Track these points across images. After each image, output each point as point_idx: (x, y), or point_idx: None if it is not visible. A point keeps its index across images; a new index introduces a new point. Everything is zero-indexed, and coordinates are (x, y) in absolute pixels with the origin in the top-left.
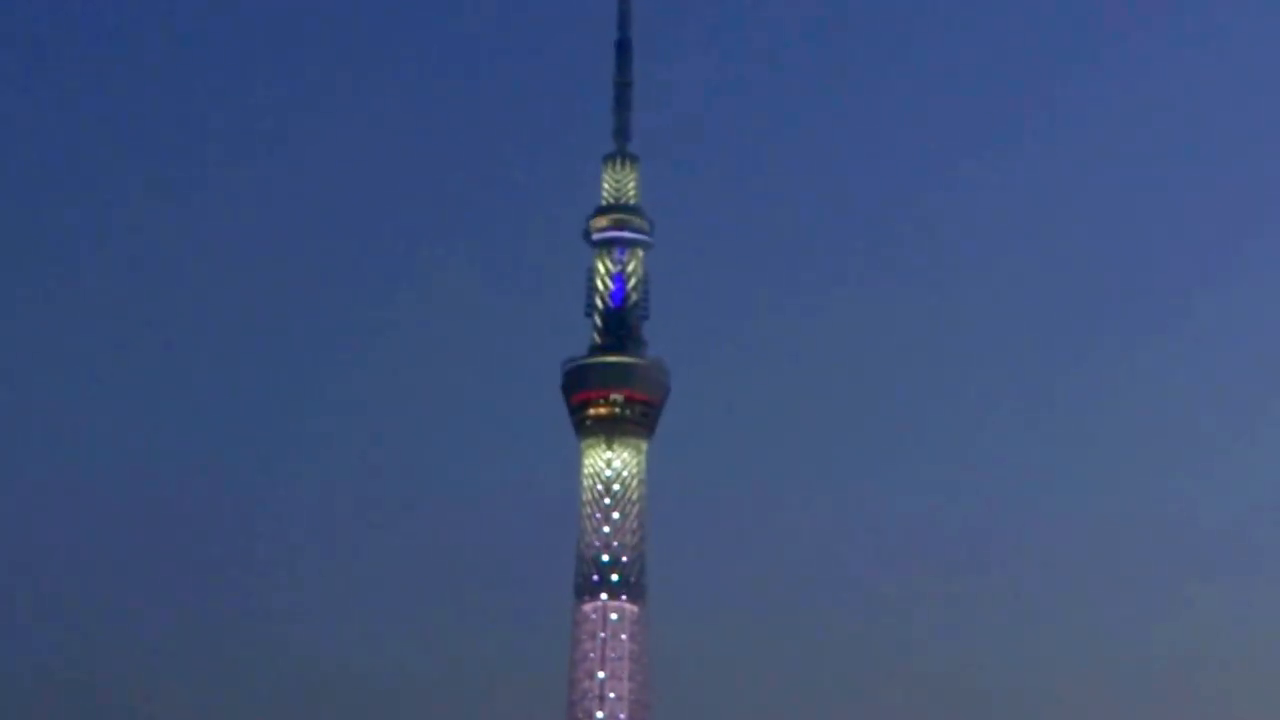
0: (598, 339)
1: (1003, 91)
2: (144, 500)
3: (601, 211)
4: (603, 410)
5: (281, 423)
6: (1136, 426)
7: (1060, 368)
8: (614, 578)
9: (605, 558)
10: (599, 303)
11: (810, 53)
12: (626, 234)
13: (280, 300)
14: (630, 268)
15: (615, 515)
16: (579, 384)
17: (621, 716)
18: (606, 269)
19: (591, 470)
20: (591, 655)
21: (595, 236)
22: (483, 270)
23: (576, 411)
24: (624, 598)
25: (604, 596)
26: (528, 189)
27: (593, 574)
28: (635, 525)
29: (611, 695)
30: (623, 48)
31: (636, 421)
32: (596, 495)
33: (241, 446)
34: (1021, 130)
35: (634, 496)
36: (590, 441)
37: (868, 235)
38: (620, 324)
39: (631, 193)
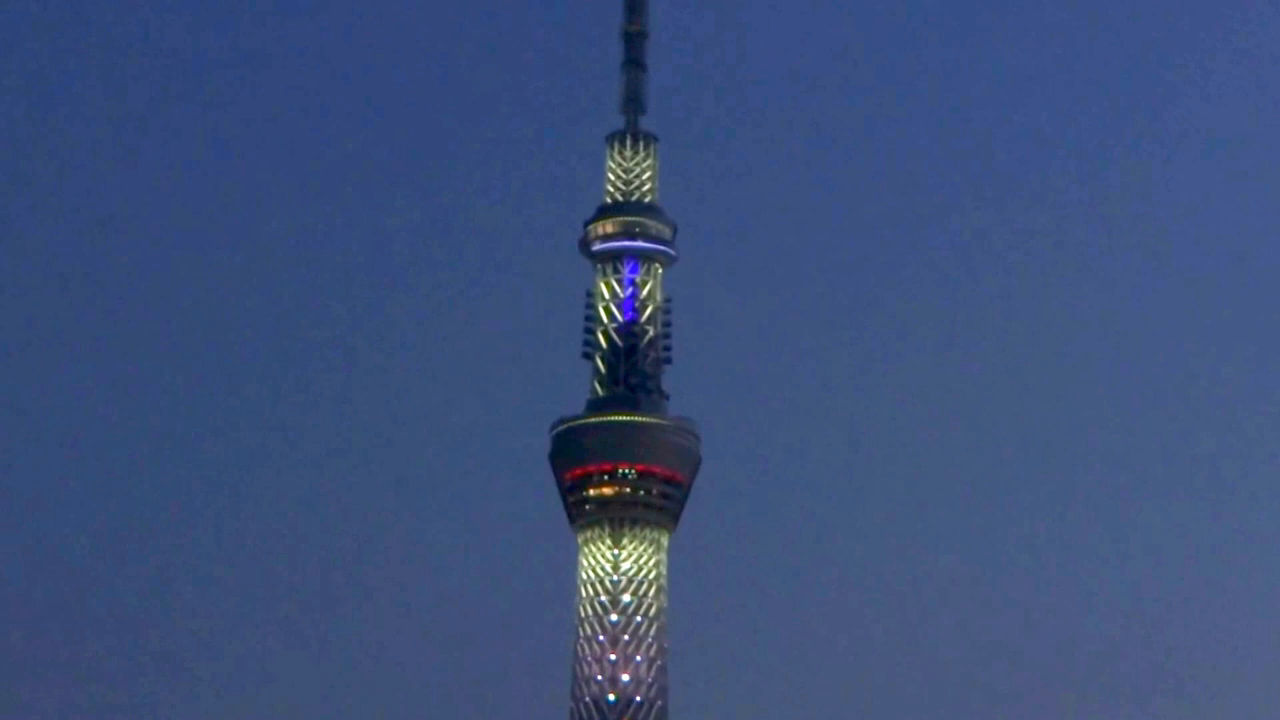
0: (600, 390)
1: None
2: (92, 592)
3: (605, 212)
4: (607, 490)
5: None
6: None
7: (1176, 438)
8: None
9: (611, 697)
10: (602, 339)
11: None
12: (640, 244)
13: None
14: (646, 291)
15: (625, 638)
16: (574, 454)
17: None
18: (613, 292)
19: (591, 574)
20: None
21: (596, 247)
22: (445, 293)
23: (571, 492)
24: None
25: None
26: (506, 182)
27: None
28: (653, 653)
29: None
30: None
31: (655, 506)
32: (598, 610)
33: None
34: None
35: (651, 611)
36: (590, 534)
37: (961, 241)
38: (632, 369)
39: (647, 185)
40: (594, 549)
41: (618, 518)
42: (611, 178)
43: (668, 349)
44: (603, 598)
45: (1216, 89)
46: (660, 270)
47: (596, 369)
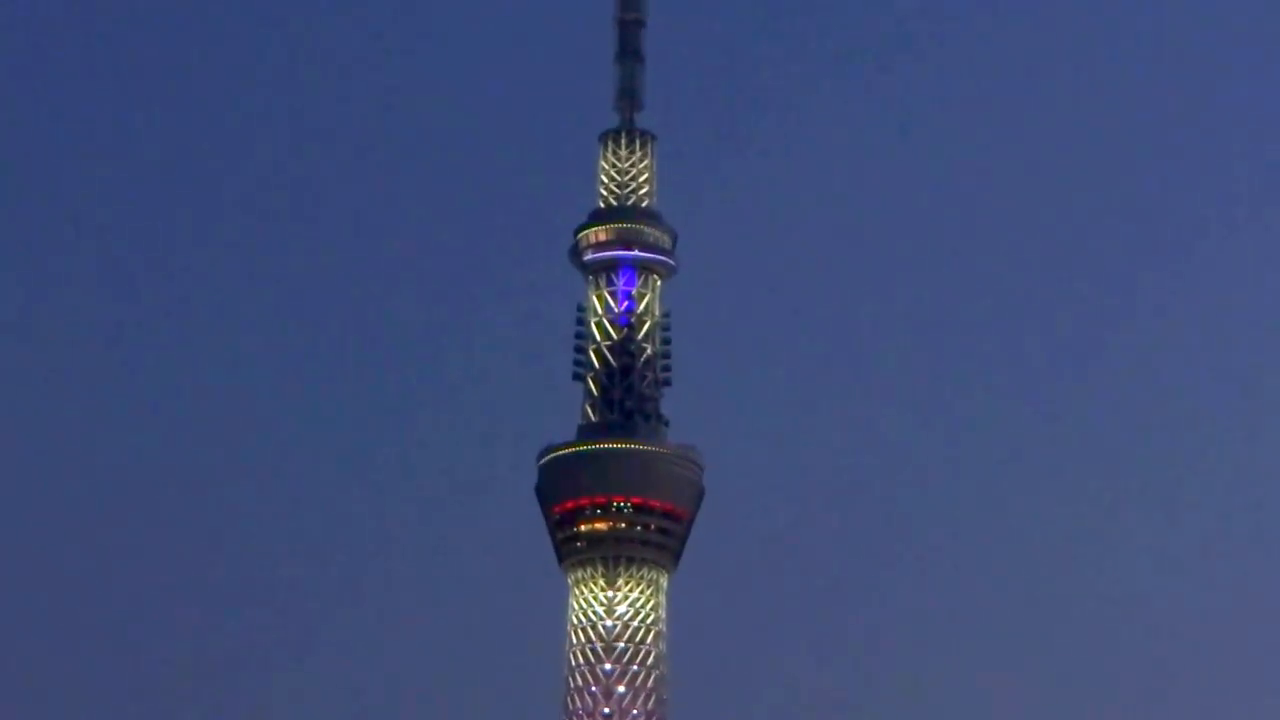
0: (592, 415)
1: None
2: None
3: (598, 218)
4: (600, 526)
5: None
6: None
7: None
8: None
9: None
10: (595, 359)
11: None
12: (636, 253)
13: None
14: (643, 304)
15: (620, 689)
16: (563, 486)
17: None
18: (606, 306)
19: (583, 619)
20: None
21: (589, 256)
22: (420, 308)
23: (560, 527)
24: None
25: None
26: (488, 184)
27: None
28: (650, 705)
29: None
30: None
31: (653, 543)
32: (590, 658)
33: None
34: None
35: (648, 660)
36: (581, 574)
37: (984, 247)
38: (627, 392)
39: (644, 189)
40: (585, 590)
41: (612, 556)
42: (605, 180)
43: (667, 369)
44: (595, 644)
45: None
46: (659, 282)
47: (589, 391)
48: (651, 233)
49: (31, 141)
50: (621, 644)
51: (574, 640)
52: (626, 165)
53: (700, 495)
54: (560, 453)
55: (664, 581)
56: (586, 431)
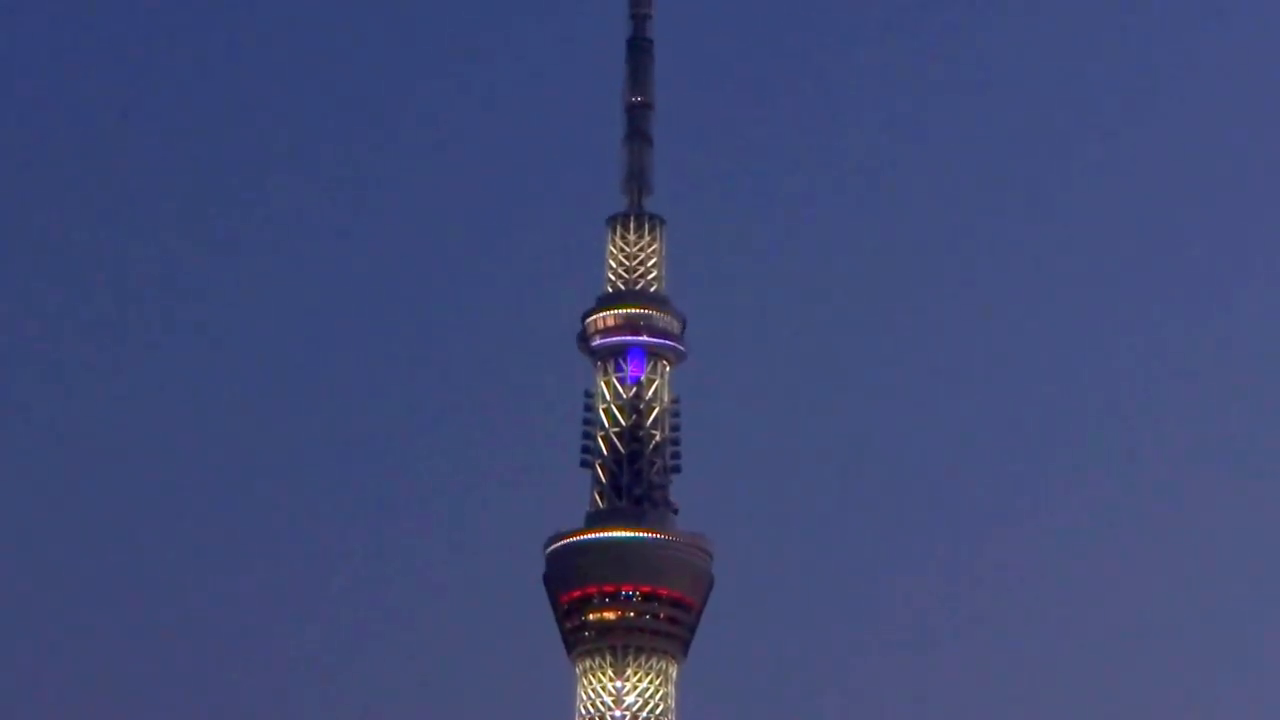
0: (601, 502)
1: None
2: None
3: (606, 303)
4: (609, 615)
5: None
6: None
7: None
8: None
9: None
10: (603, 445)
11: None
12: (645, 338)
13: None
14: (652, 391)
15: None
16: (571, 574)
17: None
18: (614, 393)
19: (591, 709)
20: None
21: (597, 342)
22: (426, 394)
23: (568, 616)
24: None
25: None
26: (494, 269)
27: None
28: None
29: None
30: (637, 49)
31: (662, 632)
32: None
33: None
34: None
35: None
36: (589, 663)
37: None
38: (636, 478)
39: (653, 273)
40: (594, 680)
41: (620, 645)
42: (613, 264)
43: (676, 456)
44: None
45: None
46: (668, 368)
47: (597, 478)
48: (660, 318)
49: (52, 138)
50: None
51: None
52: (635, 249)
53: (710, 584)
54: (568, 540)
55: (673, 671)
56: (595, 519)
